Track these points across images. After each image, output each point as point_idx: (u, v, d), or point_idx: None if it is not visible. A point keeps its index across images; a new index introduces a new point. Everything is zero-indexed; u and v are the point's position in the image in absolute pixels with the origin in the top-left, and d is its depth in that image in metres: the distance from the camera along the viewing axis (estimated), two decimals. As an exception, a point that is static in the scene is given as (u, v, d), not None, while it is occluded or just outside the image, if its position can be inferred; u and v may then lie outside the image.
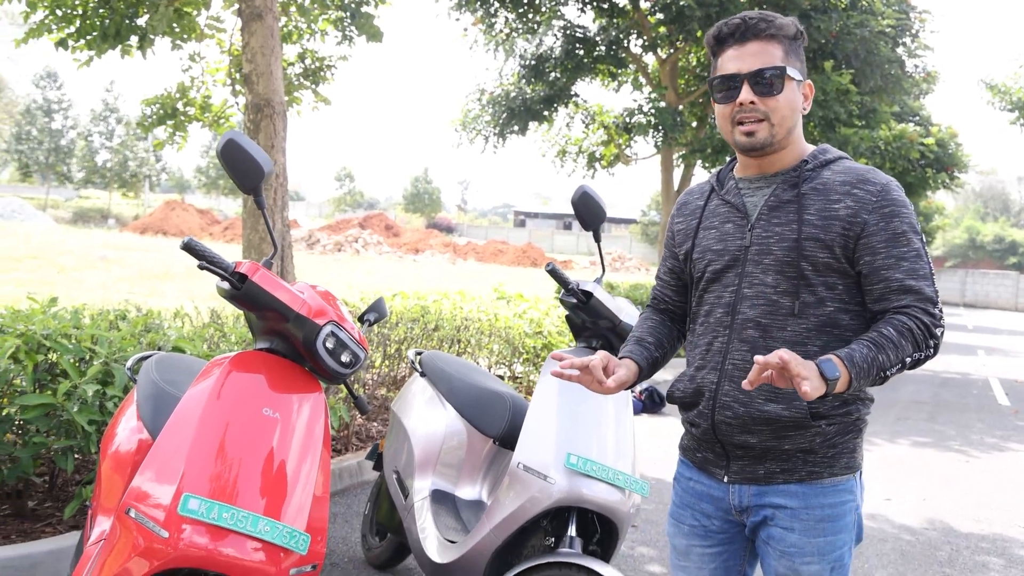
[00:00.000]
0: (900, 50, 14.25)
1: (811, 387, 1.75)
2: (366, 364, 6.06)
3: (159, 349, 4.16)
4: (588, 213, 3.14)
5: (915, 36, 14.58)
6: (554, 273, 3.19)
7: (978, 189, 79.82)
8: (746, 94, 2.04)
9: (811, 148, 2.15)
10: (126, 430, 2.92)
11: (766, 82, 2.03)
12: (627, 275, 38.70)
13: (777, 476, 2.09)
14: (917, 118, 24.09)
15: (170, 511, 2.11)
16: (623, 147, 16.47)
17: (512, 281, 24.43)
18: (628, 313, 3.20)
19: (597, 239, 3.24)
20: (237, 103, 8.67)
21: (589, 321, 3.25)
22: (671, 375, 10.68)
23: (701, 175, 16.92)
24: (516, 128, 15.28)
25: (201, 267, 2.31)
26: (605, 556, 3.09)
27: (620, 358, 2.23)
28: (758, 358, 1.78)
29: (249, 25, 6.26)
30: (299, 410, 2.38)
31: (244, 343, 4.78)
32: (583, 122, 16.73)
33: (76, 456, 4.08)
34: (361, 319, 2.90)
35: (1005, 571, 4.82)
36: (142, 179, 60.25)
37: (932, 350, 1.96)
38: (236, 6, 7.60)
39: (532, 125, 15.63)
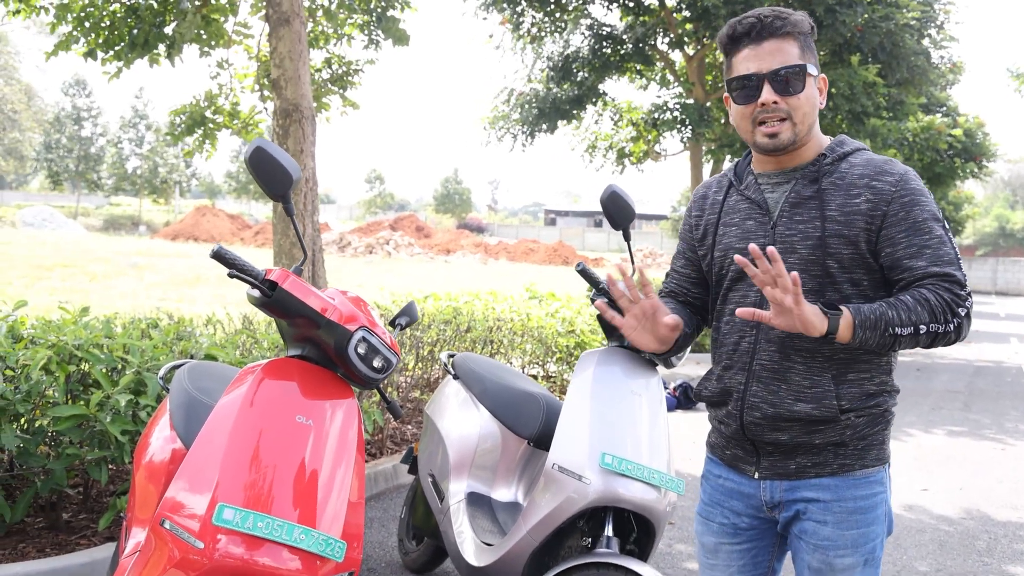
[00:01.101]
0: (926, 42, 14.12)
1: (794, 322, 1.83)
2: (398, 368, 6.05)
3: (191, 357, 4.18)
4: (618, 212, 3.11)
5: (940, 27, 14.44)
6: (584, 273, 3.16)
7: (1007, 178, 78.78)
8: (768, 94, 2.00)
9: (828, 141, 2.11)
10: (159, 440, 2.93)
11: (787, 81, 2.00)
12: (658, 271, 38.54)
13: (809, 470, 2.07)
14: (944, 109, 23.90)
15: (205, 521, 2.11)
16: (652, 143, 16.39)
17: (543, 280, 24.40)
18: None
19: (627, 238, 3.21)
20: (266, 109, 8.71)
21: (621, 320, 3.21)
22: (703, 370, 10.64)
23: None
24: (545, 127, 15.27)
25: (231, 275, 2.31)
26: (643, 555, 3.06)
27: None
28: (769, 249, 1.82)
29: (277, 30, 6.28)
30: (332, 416, 2.37)
31: (277, 349, 4.79)
32: (611, 119, 16.69)
33: (110, 467, 4.10)
34: (392, 323, 2.88)
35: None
36: (172, 185, 60.87)
37: (952, 327, 1.92)
38: (264, 12, 7.64)
39: (561, 123, 15.60)
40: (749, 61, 2.02)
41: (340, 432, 2.37)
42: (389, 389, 6.03)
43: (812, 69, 2.03)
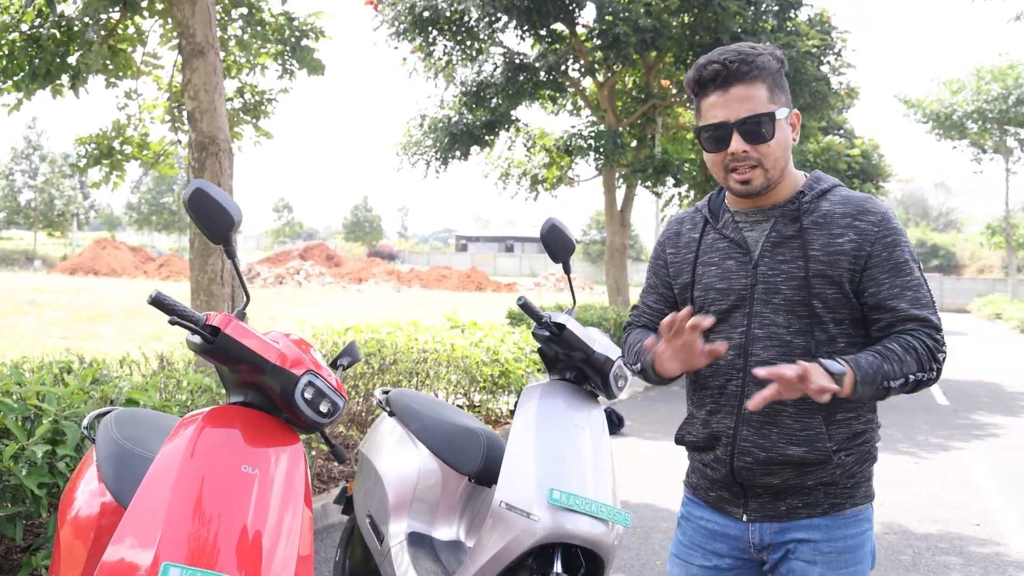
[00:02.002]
0: (825, 68, 14.62)
1: (823, 387, 1.78)
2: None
3: (112, 403, 4.00)
4: (557, 245, 3.10)
5: (838, 55, 14.97)
6: (526, 307, 3.14)
7: (899, 196, 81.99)
8: (737, 144, 1.97)
9: (803, 178, 2.09)
10: (86, 493, 2.77)
11: (756, 129, 1.96)
12: (560, 295, 38.81)
13: (800, 511, 2.06)
14: (842, 131, 24.82)
15: (148, 583, 2.00)
16: (565, 169, 16.54)
17: (459, 307, 24.34)
18: (602, 344, 3.16)
19: (567, 270, 3.20)
20: (180, 141, 8.49)
21: (562, 353, 3.19)
22: (627, 396, 10.71)
23: (643, 194, 17.06)
24: (458, 153, 15.28)
25: (172, 322, 2.21)
26: (592, 591, 3.02)
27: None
28: (772, 371, 1.80)
29: (191, 62, 6.13)
30: (278, 464, 2.28)
31: (200, 391, 4.63)
32: (525, 145, 16.81)
33: (24, 522, 3.88)
34: (334, 364, 2.80)
35: (965, 569, 4.92)
36: (69, 218, 58.79)
37: (935, 373, 1.95)
38: (176, 42, 7.46)
39: (474, 150, 15.64)
40: (717, 108, 1.99)
41: (286, 480, 2.28)
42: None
43: (781, 112, 1.99)
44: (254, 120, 8.94)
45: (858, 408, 2.05)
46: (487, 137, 15.43)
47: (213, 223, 2.27)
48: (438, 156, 15.42)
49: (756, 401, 1.85)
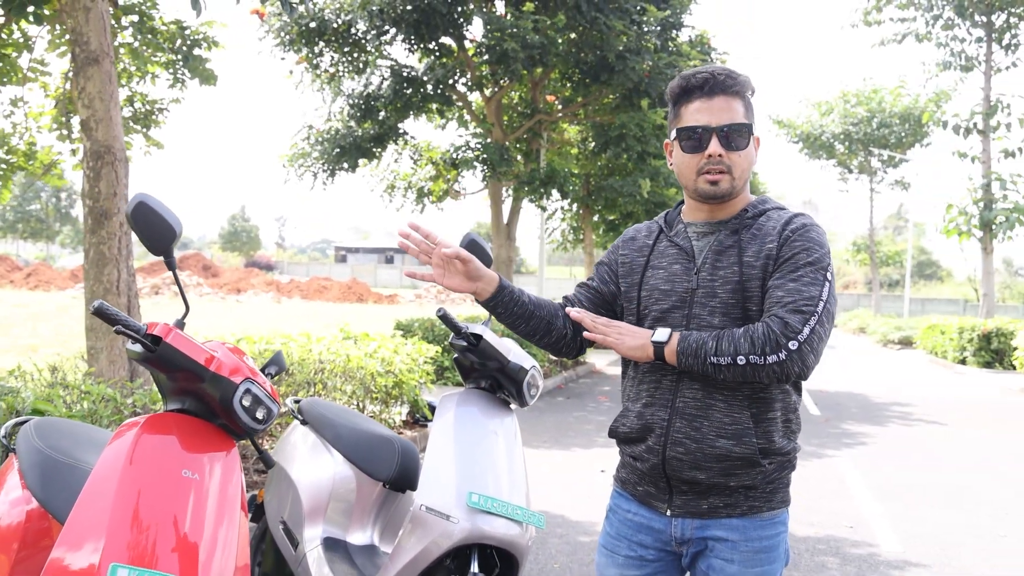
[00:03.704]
0: (705, 88, 15.24)
1: (616, 345, 2.21)
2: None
3: (18, 413, 3.96)
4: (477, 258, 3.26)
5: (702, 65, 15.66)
6: (445, 319, 3.28)
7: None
8: (715, 147, 2.15)
9: (752, 198, 2.29)
10: (7, 502, 2.79)
11: (734, 138, 2.16)
12: (453, 307, 38.94)
13: (720, 510, 2.21)
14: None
15: (96, 583, 2.06)
16: (452, 182, 16.71)
17: (343, 318, 24.13)
18: (516, 354, 3.33)
19: (482, 282, 3.36)
20: (72, 150, 8.27)
21: (478, 363, 3.35)
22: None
23: (528, 208, 17.37)
24: (346, 165, 15.26)
25: (118, 331, 2.27)
26: (506, 589, 3.18)
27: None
28: (584, 317, 2.27)
29: (85, 70, 6.03)
30: (216, 469, 2.37)
31: (103, 400, 4.59)
32: (411, 158, 16.90)
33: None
34: (262, 372, 2.89)
35: (842, 568, 5.26)
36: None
37: (774, 358, 2.03)
38: (66, 49, 7.29)
39: (361, 162, 15.64)
40: (700, 113, 2.18)
41: (225, 484, 2.37)
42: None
43: (753, 129, 2.21)
44: (144, 130, 8.78)
45: (785, 408, 2.22)
46: (375, 150, 15.46)
47: (155, 235, 2.34)
48: (325, 168, 15.36)
49: (576, 311, 2.30)
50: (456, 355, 3.41)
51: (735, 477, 2.18)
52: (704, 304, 2.20)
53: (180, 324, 2.42)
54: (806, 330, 2.03)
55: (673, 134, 2.25)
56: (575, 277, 64.99)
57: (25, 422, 3.00)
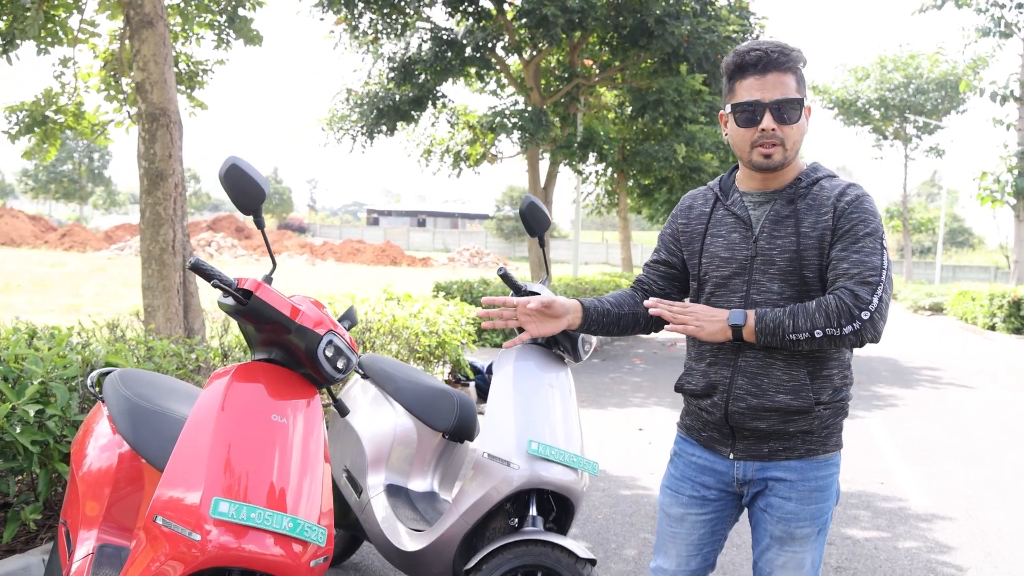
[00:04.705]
0: (745, 53, 15.18)
1: (697, 332, 2.28)
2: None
3: (92, 367, 4.16)
4: (535, 221, 3.40)
5: (756, 40, 15.54)
6: (506, 278, 3.42)
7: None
8: (768, 121, 2.26)
9: (804, 166, 2.40)
10: (100, 445, 2.99)
11: (787, 112, 2.27)
12: (486, 271, 39.16)
13: (780, 453, 2.38)
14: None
15: (200, 515, 2.24)
16: (489, 146, 16.80)
17: (378, 280, 24.40)
18: (573, 311, 3.47)
19: (542, 243, 3.50)
20: (127, 111, 8.45)
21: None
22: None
23: (566, 171, 17.43)
24: (384, 128, 15.37)
25: (215, 285, 2.43)
26: (562, 531, 3.35)
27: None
28: (663, 307, 2.34)
29: (140, 32, 6.18)
30: (303, 414, 2.54)
31: (167, 355, 4.79)
32: (449, 122, 16.97)
33: (17, 479, 4.03)
34: (339, 325, 3.05)
35: (873, 520, 5.43)
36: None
37: (850, 330, 2.18)
38: (114, 11, 7.43)
39: (400, 125, 15.74)
40: (754, 90, 2.28)
41: (312, 427, 2.54)
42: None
43: (805, 102, 2.31)
44: (189, 91, 8.94)
45: (839, 365, 2.38)
46: (413, 113, 15.54)
47: (246, 196, 2.49)
48: (363, 131, 15.47)
49: (652, 303, 2.36)
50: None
51: (793, 423, 2.34)
52: (764, 271, 2.33)
53: (268, 279, 2.58)
54: (875, 300, 2.18)
55: (728, 108, 2.35)
56: (606, 241, 64.95)
57: (108, 373, 3.18)
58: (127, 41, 7.02)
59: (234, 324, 6.19)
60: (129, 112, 8.38)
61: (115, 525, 2.90)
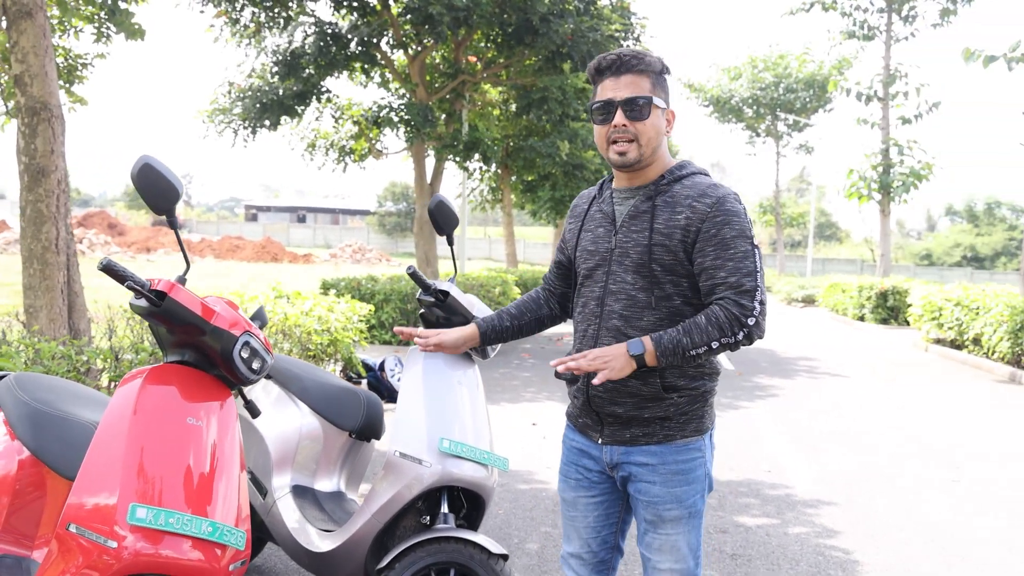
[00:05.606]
0: (626, 51, 15.53)
1: (609, 374, 2.36)
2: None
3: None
4: (444, 220, 3.43)
5: (637, 40, 15.91)
6: (415, 276, 3.44)
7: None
8: (619, 118, 2.44)
9: (671, 164, 2.55)
10: (-3, 453, 2.89)
11: (636, 108, 2.43)
12: (369, 267, 38.82)
13: (640, 439, 2.53)
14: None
15: (116, 522, 2.21)
16: (374, 141, 16.68)
17: (260, 277, 23.90)
18: (480, 309, 3.51)
19: (451, 243, 3.54)
20: (6, 106, 8.06)
21: (444, 318, 3.52)
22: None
23: (452, 168, 17.46)
24: (268, 122, 15.08)
25: (128, 286, 2.39)
26: (473, 527, 3.40)
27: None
28: (569, 364, 2.44)
29: (18, 23, 5.92)
30: (218, 416, 2.52)
31: (56, 358, 4.62)
32: (333, 116, 16.78)
33: None
34: (249, 326, 3.02)
35: (762, 507, 5.68)
36: None
37: (741, 335, 2.36)
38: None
39: (284, 119, 15.47)
40: (608, 90, 2.47)
41: (226, 429, 2.52)
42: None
43: (659, 102, 2.46)
44: (67, 85, 8.60)
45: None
46: (297, 107, 15.31)
47: (161, 196, 2.45)
48: (247, 125, 15.16)
49: (556, 364, 2.50)
50: (422, 310, 3.57)
51: (648, 409, 2.50)
52: (620, 262, 2.50)
53: (182, 280, 2.54)
54: (757, 304, 2.37)
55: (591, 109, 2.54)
56: (489, 237, 65.19)
57: (2, 377, 3.07)
58: (5, 32, 6.71)
59: (121, 324, 6.01)
60: (7, 106, 8.01)
61: (15, 534, 2.81)
